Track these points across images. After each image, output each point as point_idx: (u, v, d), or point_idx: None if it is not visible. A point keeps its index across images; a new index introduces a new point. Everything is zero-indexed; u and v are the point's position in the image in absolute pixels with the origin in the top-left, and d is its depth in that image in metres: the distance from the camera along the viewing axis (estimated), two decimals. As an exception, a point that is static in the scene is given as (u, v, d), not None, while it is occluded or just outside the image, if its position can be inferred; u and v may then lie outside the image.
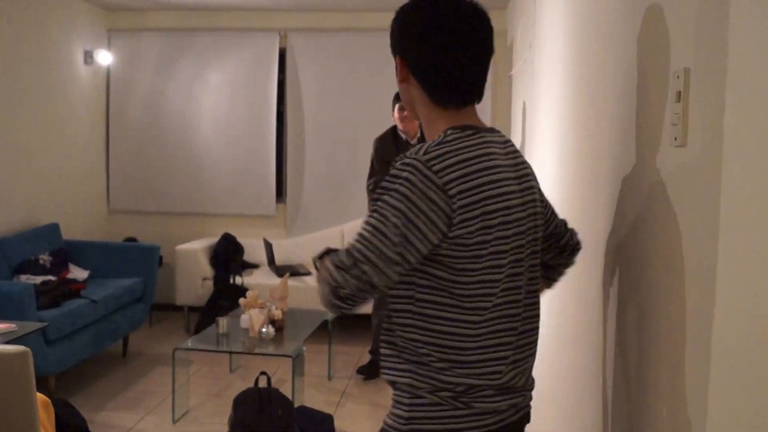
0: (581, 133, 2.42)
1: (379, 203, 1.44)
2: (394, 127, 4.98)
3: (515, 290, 1.55)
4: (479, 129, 1.55)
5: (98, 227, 6.86)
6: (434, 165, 1.43)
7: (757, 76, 1.10)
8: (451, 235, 1.43)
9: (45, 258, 5.27)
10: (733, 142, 1.11)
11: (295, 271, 6.20)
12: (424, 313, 1.50)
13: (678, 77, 1.33)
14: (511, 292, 1.54)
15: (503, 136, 1.62)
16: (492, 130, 1.60)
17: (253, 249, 6.65)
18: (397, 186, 1.42)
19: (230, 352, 4.59)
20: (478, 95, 1.59)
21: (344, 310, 1.49)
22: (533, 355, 1.64)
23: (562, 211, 2.76)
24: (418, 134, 4.83)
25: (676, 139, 1.33)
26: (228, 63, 6.84)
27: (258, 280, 6.14)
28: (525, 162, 1.64)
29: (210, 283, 6.21)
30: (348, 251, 1.45)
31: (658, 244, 1.45)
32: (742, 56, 1.10)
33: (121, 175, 6.98)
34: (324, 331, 5.12)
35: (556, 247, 1.80)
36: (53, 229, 5.65)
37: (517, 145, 5.17)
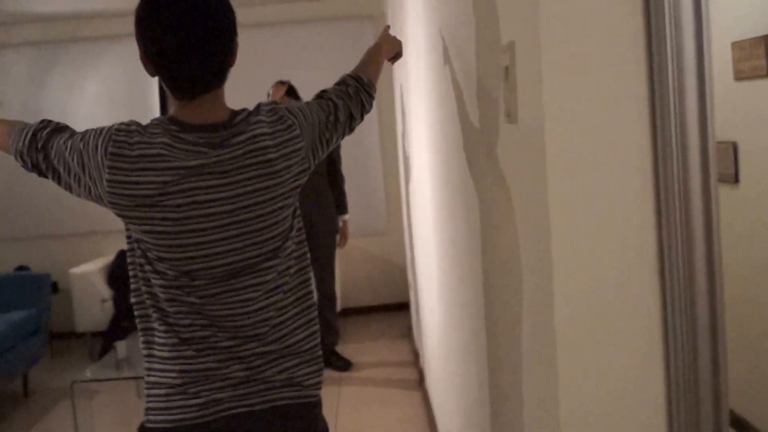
0: (442, 113, 2.38)
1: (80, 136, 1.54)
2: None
3: None
4: (185, 128, 1.50)
5: (-17, 260, 6.49)
6: (119, 137, 1.47)
7: (570, 47, 1.06)
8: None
9: None
10: (553, 115, 1.07)
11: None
12: None
13: (505, 52, 1.29)
14: None
15: (229, 136, 1.51)
16: (208, 129, 1.51)
17: (152, 264, 6.42)
18: (90, 132, 1.52)
19: (132, 378, 4.39)
20: (200, 89, 1.52)
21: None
22: None
23: (436, 189, 2.72)
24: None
25: (509, 115, 1.29)
26: (104, 72, 6.54)
27: (160, 296, 5.93)
28: (249, 169, 1.51)
29: (110, 305, 5.97)
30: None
31: (500, 225, 1.42)
32: (555, 28, 1.06)
33: (-1, 201, 6.62)
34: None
35: None
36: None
37: (399, 129, 5.16)
